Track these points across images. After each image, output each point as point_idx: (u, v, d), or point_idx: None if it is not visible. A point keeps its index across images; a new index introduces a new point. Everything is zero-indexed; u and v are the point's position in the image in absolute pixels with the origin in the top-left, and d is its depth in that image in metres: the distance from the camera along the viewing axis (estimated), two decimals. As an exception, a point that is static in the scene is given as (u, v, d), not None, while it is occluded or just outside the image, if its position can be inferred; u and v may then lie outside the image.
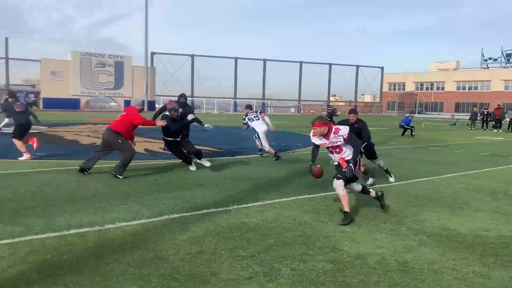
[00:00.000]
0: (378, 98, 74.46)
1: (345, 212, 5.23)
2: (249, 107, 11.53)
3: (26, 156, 9.63)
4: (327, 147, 5.46)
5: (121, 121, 8.05)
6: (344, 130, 5.29)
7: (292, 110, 68.26)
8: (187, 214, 5.41)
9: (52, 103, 45.11)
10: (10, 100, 10.14)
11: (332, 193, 6.14)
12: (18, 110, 9.88)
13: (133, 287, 3.29)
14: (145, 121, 8.20)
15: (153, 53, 56.03)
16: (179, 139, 8.62)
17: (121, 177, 7.55)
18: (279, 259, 3.96)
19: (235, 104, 60.68)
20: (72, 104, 46.67)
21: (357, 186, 5.64)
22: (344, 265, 3.87)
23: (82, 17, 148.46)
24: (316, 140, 5.44)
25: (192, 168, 8.72)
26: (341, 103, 72.97)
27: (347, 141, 5.29)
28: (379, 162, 8.20)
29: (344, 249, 4.28)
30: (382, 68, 72.08)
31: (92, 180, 7.43)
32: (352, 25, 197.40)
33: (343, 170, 5.23)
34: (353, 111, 7.78)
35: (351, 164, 5.21)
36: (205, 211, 5.56)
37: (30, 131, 10.15)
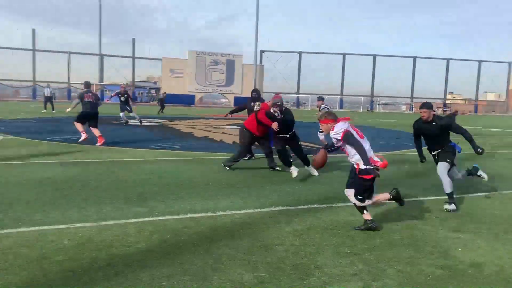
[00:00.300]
0: (504, 97, 67.21)
1: (365, 221, 4.66)
2: (321, 99, 11.73)
3: (83, 136, 11.13)
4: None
5: (251, 118, 8.20)
6: (338, 129, 4.49)
7: (403, 108, 64.93)
8: (292, 207, 5.55)
9: (170, 99, 48.84)
10: (85, 89, 11.56)
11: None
12: (85, 100, 11.16)
13: (241, 271, 3.51)
14: (264, 119, 7.77)
15: (262, 51, 57.64)
16: (288, 136, 7.98)
17: (228, 169, 7.98)
18: (385, 260, 3.88)
19: (341, 101, 59.63)
20: (187, 100, 50.18)
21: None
22: (456, 272, 3.65)
23: (200, 18, 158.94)
24: (323, 139, 4.88)
25: (294, 173, 7.53)
26: (459, 101, 67.49)
27: (345, 143, 4.50)
28: (455, 173, 6.03)
29: (456, 256, 4.04)
30: (509, 63, 64.84)
31: (205, 170, 7.98)
32: (474, 16, 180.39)
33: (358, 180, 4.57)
34: (425, 105, 5.94)
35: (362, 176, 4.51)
36: (309, 206, 5.64)
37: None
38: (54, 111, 24.49)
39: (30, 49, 50.26)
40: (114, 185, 6.46)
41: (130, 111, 17.83)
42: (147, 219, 4.85)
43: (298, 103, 58.34)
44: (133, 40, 54.33)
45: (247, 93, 48.52)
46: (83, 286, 3.16)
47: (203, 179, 7.13)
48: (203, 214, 5.08)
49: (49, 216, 4.79)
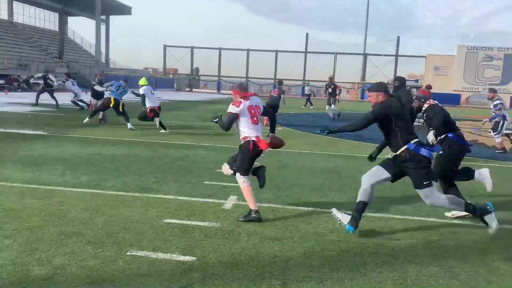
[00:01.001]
0: None
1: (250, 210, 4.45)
2: (493, 91, 10.64)
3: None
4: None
5: None
6: (233, 108, 4.49)
7: None
8: None
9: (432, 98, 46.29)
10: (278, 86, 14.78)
11: None
12: (271, 94, 14.06)
13: (522, 291, 3.16)
14: None
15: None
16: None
17: None
18: None
19: None
20: (452, 99, 46.35)
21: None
22: None
23: (472, 10, 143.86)
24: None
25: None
26: None
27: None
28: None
29: None
30: None
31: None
32: None
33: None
34: (371, 87, 4.26)
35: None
36: None
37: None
38: (306, 107, 28.01)
39: (302, 52, 56.30)
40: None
41: (333, 103, 17.50)
42: (410, 217, 4.87)
43: None
44: (398, 38, 53.81)
45: (529, 93, 41.15)
46: (356, 266, 3.48)
47: (468, 186, 6.57)
48: (473, 223, 4.73)
49: (321, 200, 5.41)
